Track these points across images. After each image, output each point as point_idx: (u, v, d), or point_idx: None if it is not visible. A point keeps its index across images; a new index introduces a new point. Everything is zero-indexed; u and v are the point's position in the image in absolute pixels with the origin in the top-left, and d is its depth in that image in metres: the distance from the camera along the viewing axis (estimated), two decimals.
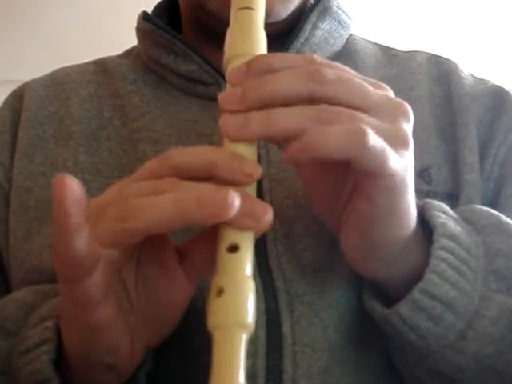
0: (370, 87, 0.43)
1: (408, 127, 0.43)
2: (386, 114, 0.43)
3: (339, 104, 0.42)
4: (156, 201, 0.39)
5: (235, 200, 0.38)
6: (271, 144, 0.57)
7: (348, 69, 0.45)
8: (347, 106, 0.42)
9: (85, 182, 0.57)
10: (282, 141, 0.44)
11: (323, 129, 0.40)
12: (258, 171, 0.41)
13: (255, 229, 0.41)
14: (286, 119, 0.41)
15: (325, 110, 0.41)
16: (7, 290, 0.58)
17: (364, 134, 0.39)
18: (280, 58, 0.44)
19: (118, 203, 0.40)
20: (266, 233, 0.53)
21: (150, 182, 0.41)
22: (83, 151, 0.60)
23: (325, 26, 0.63)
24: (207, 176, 0.41)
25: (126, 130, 0.60)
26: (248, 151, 0.42)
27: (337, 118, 0.41)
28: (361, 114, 0.41)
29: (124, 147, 0.59)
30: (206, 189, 0.39)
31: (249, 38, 0.47)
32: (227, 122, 0.42)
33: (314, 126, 0.40)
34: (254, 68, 0.43)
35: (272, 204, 0.54)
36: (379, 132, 0.41)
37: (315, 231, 0.54)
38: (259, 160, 0.56)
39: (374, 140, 0.40)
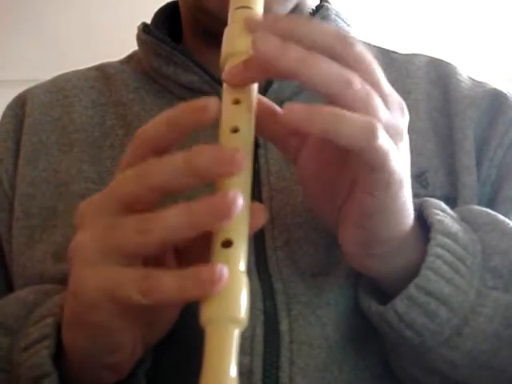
0: (383, 76, 0.43)
1: (403, 122, 0.44)
2: (389, 105, 0.43)
3: None
4: (169, 215, 0.38)
5: (239, 198, 0.38)
6: (271, 154, 0.57)
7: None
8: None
9: (88, 191, 0.58)
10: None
11: (341, 113, 0.40)
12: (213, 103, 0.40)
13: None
14: (321, 67, 0.40)
15: (358, 81, 0.41)
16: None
17: (376, 129, 0.40)
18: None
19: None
20: (265, 240, 0.54)
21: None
22: (87, 159, 0.60)
23: None
24: (174, 137, 0.40)
25: (128, 139, 0.60)
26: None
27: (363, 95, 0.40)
28: (379, 100, 0.41)
29: None
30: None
31: (246, 36, 0.46)
32: (264, 43, 0.40)
33: (341, 88, 0.40)
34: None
35: (271, 212, 0.55)
36: (386, 123, 0.41)
37: (314, 238, 0.54)
38: (258, 169, 0.57)
39: (383, 136, 0.40)
